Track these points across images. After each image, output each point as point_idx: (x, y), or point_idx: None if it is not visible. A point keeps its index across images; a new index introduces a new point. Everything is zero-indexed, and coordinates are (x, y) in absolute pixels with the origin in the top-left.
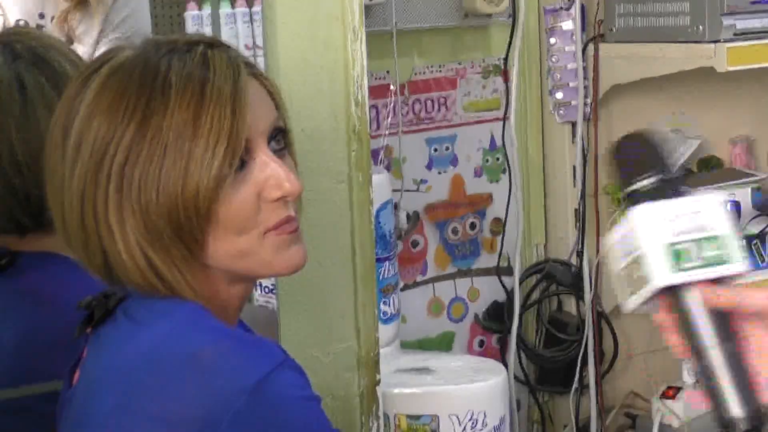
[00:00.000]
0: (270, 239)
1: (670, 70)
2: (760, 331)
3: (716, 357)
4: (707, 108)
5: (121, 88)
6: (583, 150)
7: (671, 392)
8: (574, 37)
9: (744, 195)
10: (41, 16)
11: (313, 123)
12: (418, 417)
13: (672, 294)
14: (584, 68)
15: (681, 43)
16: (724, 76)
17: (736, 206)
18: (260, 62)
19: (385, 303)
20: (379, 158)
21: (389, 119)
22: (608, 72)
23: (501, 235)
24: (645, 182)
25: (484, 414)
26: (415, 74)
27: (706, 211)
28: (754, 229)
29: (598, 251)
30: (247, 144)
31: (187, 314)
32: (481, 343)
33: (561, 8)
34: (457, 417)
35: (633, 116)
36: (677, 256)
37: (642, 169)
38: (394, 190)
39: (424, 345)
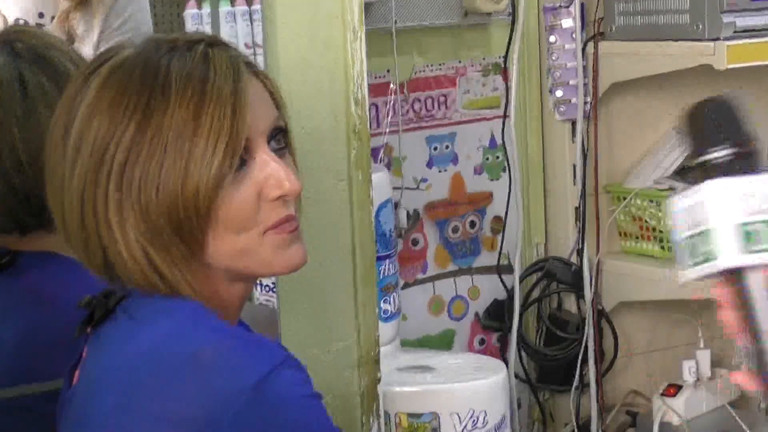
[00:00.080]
0: (270, 238)
1: (670, 68)
2: None
3: None
4: None
5: (122, 87)
6: (583, 148)
7: (672, 390)
8: (574, 36)
9: None
10: (41, 15)
11: (313, 122)
12: (418, 415)
13: (735, 273)
14: (584, 66)
15: (681, 41)
16: (724, 74)
17: None
18: (260, 61)
19: (385, 301)
20: (379, 157)
21: (389, 118)
22: (608, 70)
23: (501, 234)
24: (718, 153)
25: (485, 412)
26: (415, 73)
27: None
28: None
29: (598, 250)
30: (247, 143)
31: (187, 313)
32: (482, 342)
33: (561, 6)
34: (458, 415)
35: (633, 114)
36: (747, 237)
37: (717, 137)
38: (395, 189)
39: (424, 343)
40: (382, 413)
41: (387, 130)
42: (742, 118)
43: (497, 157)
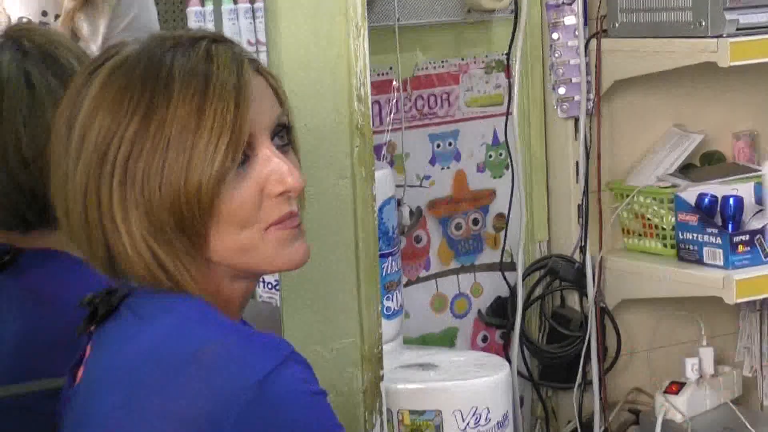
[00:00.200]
0: (272, 235)
1: (673, 65)
2: None
3: None
4: (710, 103)
5: (125, 83)
6: (586, 145)
7: (675, 388)
8: (576, 33)
9: (747, 189)
10: (44, 14)
11: (316, 119)
12: (421, 412)
13: None
14: (587, 64)
15: (684, 38)
16: (727, 71)
17: (739, 201)
18: (262, 58)
19: (388, 299)
20: (382, 154)
21: (392, 115)
22: (611, 67)
23: (504, 231)
24: None
25: (488, 409)
26: (418, 70)
27: None
28: (758, 223)
29: (600, 247)
30: (250, 139)
31: (191, 310)
32: (485, 339)
33: (563, 3)
34: (461, 412)
35: (636, 112)
36: None
37: None
38: (397, 186)
39: (427, 341)
40: (384, 410)
41: (390, 127)
42: None
43: (500, 155)
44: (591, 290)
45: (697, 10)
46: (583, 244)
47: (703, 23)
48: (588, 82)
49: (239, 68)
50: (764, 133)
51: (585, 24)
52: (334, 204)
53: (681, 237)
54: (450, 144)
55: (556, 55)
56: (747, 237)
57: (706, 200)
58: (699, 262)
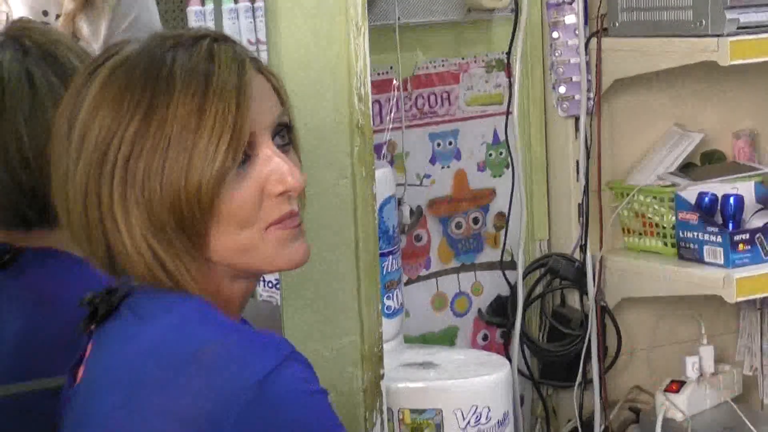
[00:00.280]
0: (272, 234)
1: (673, 64)
2: None
3: None
4: (710, 102)
5: (126, 82)
6: (587, 145)
7: (675, 386)
8: (576, 32)
9: (747, 188)
10: (45, 13)
11: (316, 118)
12: (421, 411)
13: None
14: (587, 63)
15: (684, 37)
16: (728, 70)
17: (739, 200)
18: (262, 57)
19: (388, 298)
20: (382, 153)
21: (392, 114)
22: (611, 66)
23: (504, 230)
24: None
25: (488, 408)
26: (418, 69)
27: None
28: (758, 222)
29: (601, 246)
30: (251, 138)
31: (191, 310)
32: (485, 338)
33: (563, 2)
34: (461, 411)
35: (636, 110)
36: None
37: None
38: (397, 185)
39: (427, 339)
40: (385, 409)
41: (390, 126)
42: None
43: (500, 154)
44: (591, 289)
45: (698, 9)
46: (583, 243)
47: (704, 22)
48: (588, 81)
49: (240, 68)
50: (764, 132)
51: (585, 23)
52: (334, 203)
53: (681, 236)
54: (450, 143)
55: (557, 54)
56: (747, 236)
57: (707, 199)
58: (699, 260)
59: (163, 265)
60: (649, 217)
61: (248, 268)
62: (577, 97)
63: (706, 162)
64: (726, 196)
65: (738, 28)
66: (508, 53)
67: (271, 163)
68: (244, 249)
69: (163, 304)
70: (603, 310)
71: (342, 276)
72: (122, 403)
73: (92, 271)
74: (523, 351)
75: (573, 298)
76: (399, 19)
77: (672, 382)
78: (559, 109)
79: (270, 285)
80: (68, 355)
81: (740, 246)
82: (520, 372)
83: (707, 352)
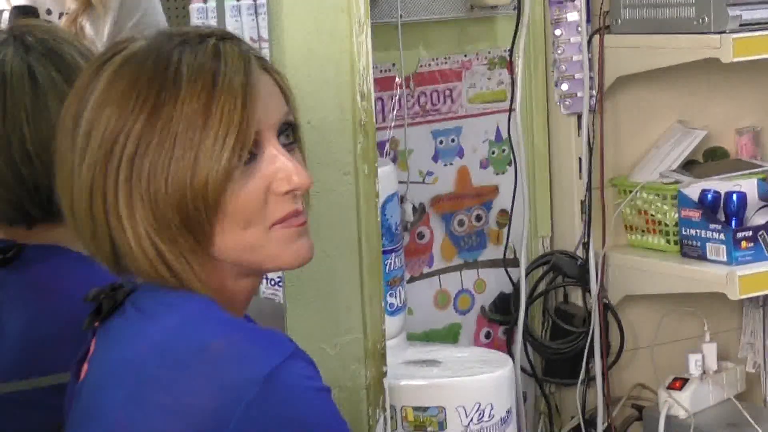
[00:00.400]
0: (276, 233)
1: (676, 61)
2: None
3: None
4: (713, 99)
5: (133, 78)
6: (589, 142)
7: (678, 384)
8: (579, 29)
9: (750, 185)
10: (48, 12)
11: (319, 115)
12: (425, 409)
13: None
14: (590, 60)
15: (686, 34)
16: (730, 67)
17: (742, 197)
18: (265, 55)
19: (391, 295)
20: (385, 150)
21: (395, 111)
22: (614, 63)
23: (507, 227)
24: None
25: (491, 405)
26: (421, 66)
27: None
28: (761, 219)
29: (604, 243)
30: (257, 137)
31: (197, 307)
32: (488, 335)
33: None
34: (464, 408)
35: (639, 107)
36: None
37: None
38: (400, 182)
39: (430, 337)
40: (388, 407)
41: (392, 123)
42: None
43: (503, 151)
44: (594, 286)
45: (700, 5)
46: (586, 240)
47: (706, 19)
48: (591, 78)
49: (247, 66)
50: (767, 128)
51: (588, 20)
52: (337, 200)
53: (684, 233)
54: (453, 140)
55: (559, 51)
56: (750, 233)
57: (710, 196)
58: (702, 258)
59: (167, 263)
60: (652, 215)
61: (253, 266)
62: (579, 94)
63: (709, 159)
64: (729, 194)
65: (741, 24)
66: (511, 50)
67: (277, 162)
68: (248, 247)
69: (167, 301)
70: (606, 308)
71: (345, 273)
72: (127, 400)
73: (96, 267)
74: (526, 348)
75: (576, 296)
76: (401, 16)
77: (675, 379)
78: (561, 106)
79: (273, 282)
80: (73, 351)
81: (743, 243)
82: (523, 369)
83: (710, 350)
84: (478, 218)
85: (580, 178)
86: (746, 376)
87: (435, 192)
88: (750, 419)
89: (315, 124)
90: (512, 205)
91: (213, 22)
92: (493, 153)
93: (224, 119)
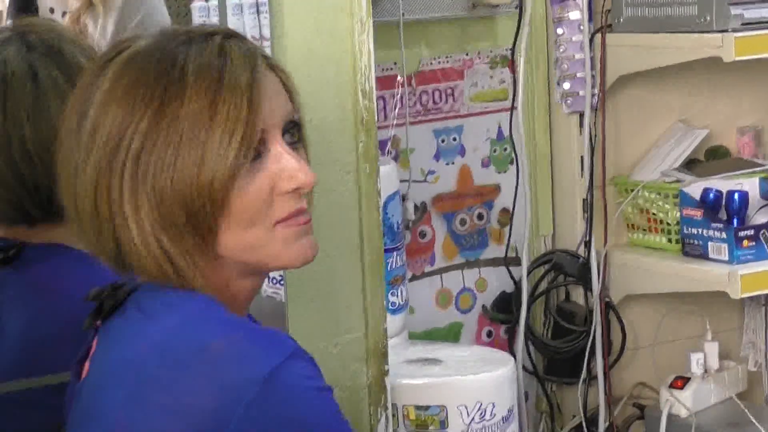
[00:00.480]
0: (280, 231)
1: (678, 60)
2: None
3: None
4: (715, 98)
5: (138, 76)
6: (591, 140)
7: (679, 383)
8: (581, 27)
9: (752, 184)
10: (51, 11)
11: (320, 114)
12: (426, 408)
13: None
14: (591, 58)
15: (688, 33)
16: (732, 66)
17: (744, 196)
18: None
19: (392, 294)
20: (387, 149)
21: (396, 110)
22: (615, 62)
23: (509, 226)
24: None
25: (493, 404)
26: (422, 65)
27: None
28: (762, 218)
29: (605, 242)
30: (262, 135)
31: (198, 307)
32: (489, 334)
33: None
34: (466, 407)
35: (640, 106)
36: None
37: None
38: (402, 181)
39: (431, 336)
40: (389, 406)
41: (394, 122)
42: None
43: (504, 150)
44: (596, 285)
45: (702, 4)
46: (587, 239)
47: (708, 18)
48: (592, 77)
49: (253, 64)
50: None
51: (590, 19)
52: (338, 199)
53: (686, 232)
54: (454, 139)
55: (561, 50)
56: (752, 232)
57: (711, 195)
58: (704, 257)
59: (171, 261)
60: (654, 213)
61: (256, 265)
62: (581, 93)
63: (710, 158)
64: (730, 192)
65: (742, 23)
66: (513, 49)
67: (282, 160)
68: (252, 246)
69: (168, 301)
70: (607, 306)
71: (346, 272)
72: (127, 400)
73: (97, 266)
74: (527, 347)
75: (577, 294)
76: (403, 15)
77: (676, 378)
78: (563, 105)
79: (274, 281)
80: (74, 349)
81: (745, 242)
82: (524, 368)
83: (712, 349)
84: (480, 217)
85: (582, 176)
86: (748, 375)
87: (436, 191)
88: (752, 418)
89: (316, 123)
90: (514, 204)
91: (215, 20)
92: (495, 152)
93: (230, 117)
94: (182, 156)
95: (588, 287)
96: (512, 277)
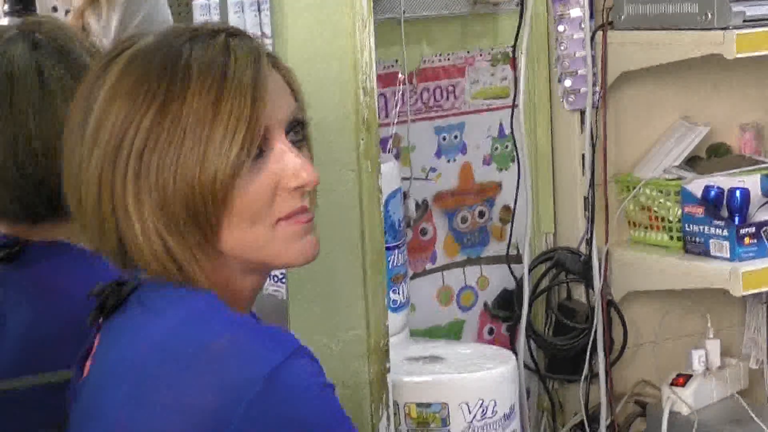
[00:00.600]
0: (282, 229)
1: (679, 57)
2: None
3: None
4: (716, 95)
5: (142, 73)
6: (592, 138)
7: (681, 380)
8: (582, 25)
9: (753, 182)
10: (54, 9)
11: (322, 112)
12: (428, 405)
13: None
14: (593, 56)
15: (690, 30)
16: (734, 63)
17: (746, 193)
18: None
19: (394, 291)
20: (388, 147)
21: (398, 108)
22: (617, 59)
23: (510, 224)
24: None
25: (494, 402)
26: (424, 62)
27: None
28: (764, 215)
29: (607, 239)
30: (266, 133)
31: (200, 304)
32: (491, 331)
33: None
34: (467, 405)
35: (642, 104)
36: None
37: None
38: (403, 179)
39: (433, 333)
40: (391, 403)
41: (395, 120)
42: None
43: (506, 147)
44: (597, 282)
45: (704, 1)
46: (589, 236)
47: (710, 15)
48: (594, 74)
49: (256, 62)
50: None
51: (591, 16)
52: (340, 197)
53: (687, 229)
54: (456, 137)
55: (562, 47)
56: (753, 229)
57: (713, 192)
58: (705, 254)
59: (174, 258)
60: (655, 211)
61: (258, 263)
62: (582, 90)
63: (712, 155)
64: (732, 190)
65: (744, 20)
66: (514, 46)
67: (285, 158)
68: (254, 243)
69: (171, 298)
70: (609, 304)
71: (348, 270)
72: (130, 397)
73: (99, 263)
74: (529, 345)
75: (579, 292)
76: (404, 12)
77: (678, 375)
78: (564, 102)
79: (276, 279)
80: (75, 348)
81: (746, 239)
82: (526, 366)
83: (713, 346)
84: (481, 214)
85: (583, 174)
86: (749, 373)
87: (438, 188)
88: (753, 415)
89: (317, 121)
90: (515, 202)
91: (216, 17)
92: (496, 149)
93: (233, 115)
94: (184, 153)
95: (589, 285)
96: (513, 275)
